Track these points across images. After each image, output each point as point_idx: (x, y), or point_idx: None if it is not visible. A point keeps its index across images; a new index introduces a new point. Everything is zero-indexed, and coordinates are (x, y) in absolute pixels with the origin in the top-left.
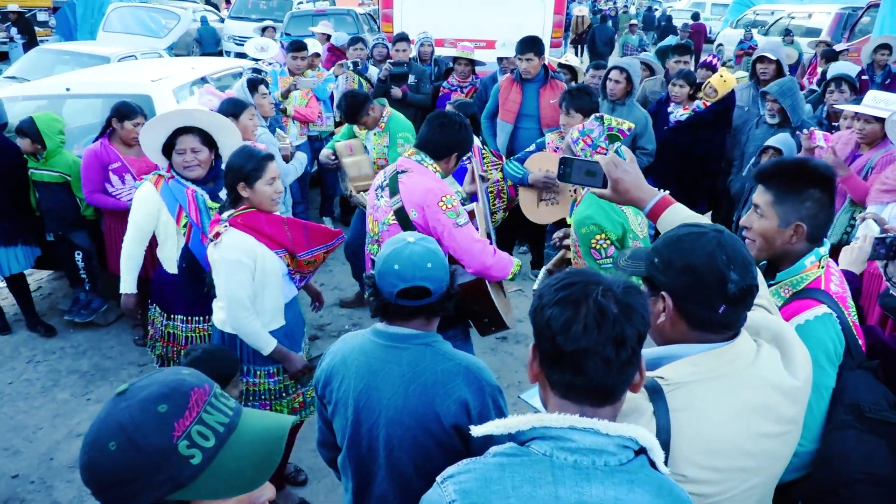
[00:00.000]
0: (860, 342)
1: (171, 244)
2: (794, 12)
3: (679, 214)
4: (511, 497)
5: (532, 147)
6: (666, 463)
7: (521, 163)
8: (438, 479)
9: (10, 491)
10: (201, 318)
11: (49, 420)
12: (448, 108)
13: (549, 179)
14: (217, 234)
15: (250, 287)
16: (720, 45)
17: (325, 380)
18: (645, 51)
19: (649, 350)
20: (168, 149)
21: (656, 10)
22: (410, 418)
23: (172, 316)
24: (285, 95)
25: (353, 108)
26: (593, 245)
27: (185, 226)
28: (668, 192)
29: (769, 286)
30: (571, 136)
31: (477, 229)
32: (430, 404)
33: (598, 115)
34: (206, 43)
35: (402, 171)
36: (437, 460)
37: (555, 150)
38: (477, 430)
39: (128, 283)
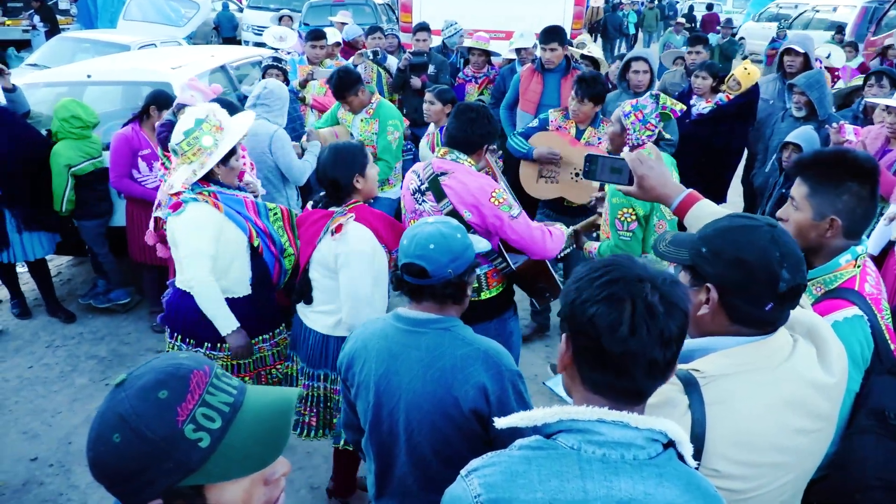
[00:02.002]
0: (892, 346)
1: (240, 264)
2: (818, 5)
3: (706, 210)
4: (538, 491)
5: (535, 122)
6: (700, 457)
7: (525, 138)
8: (463, 472)
9: (29, 474)
10: (283, 328)
11: (67, 404)
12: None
13: (553, 155)
14: (340, 227)
15: (374, 282)
16: (742, 38)
17: (347, 363)
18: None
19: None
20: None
21: (678, 2)
22: (429, 403)
23: (258, 339)
24: (303, 85)
25: (345, 85)
26: (619, 216)
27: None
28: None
29: None
30: (623, 110)
31: None
32: (449, 389)
33: (653, 93)
34: (224, 28)
35: (443, 174)
36: (456, 444)
37: (557, 129)
38: (501, 423)
39: (229, 319)
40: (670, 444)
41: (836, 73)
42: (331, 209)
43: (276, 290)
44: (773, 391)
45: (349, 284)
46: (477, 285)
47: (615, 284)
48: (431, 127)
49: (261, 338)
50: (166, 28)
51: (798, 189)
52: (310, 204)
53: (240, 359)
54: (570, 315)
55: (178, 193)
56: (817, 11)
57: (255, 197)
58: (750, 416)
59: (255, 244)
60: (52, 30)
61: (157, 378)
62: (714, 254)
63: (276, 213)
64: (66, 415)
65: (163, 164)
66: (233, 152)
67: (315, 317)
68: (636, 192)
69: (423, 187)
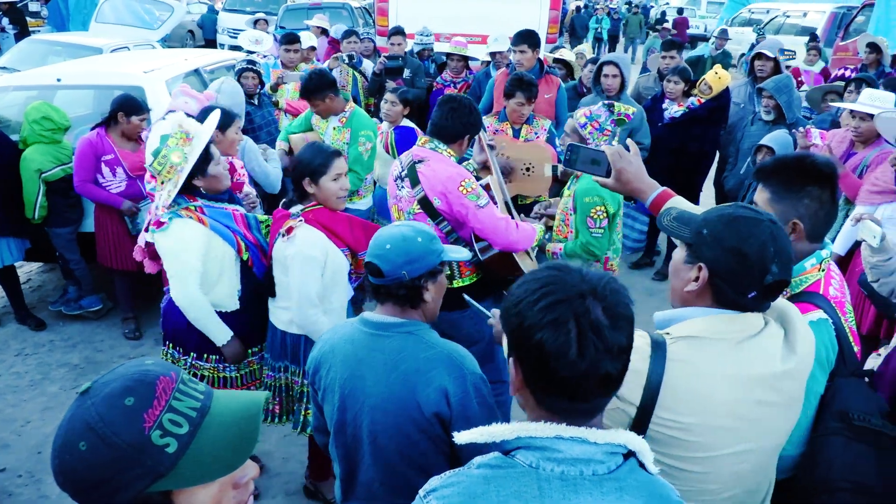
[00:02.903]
0: (856, 349)
1: (229, 278)
2: (789, 11)
3: (681, 206)
4: None
5: None
6: (654, 407)
7: None
8: (421, 492)
9: None
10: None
11: (38, 413)
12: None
13: (506, 162)
14: (290, 230)
15: (320, 284)
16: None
17: (315, 367)
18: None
19: (663, 312)
20: (199, 166)
21: (652, 6)
22: (393, 406)
23: (247, 352)
24: (274, 89)
25: (317, 86)
26: (591, 214)
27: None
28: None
29: None
30: (578, 121)
31: (495, 203)
32: (412, 392)
33: (606, 102)
34: (207, 30)
35: (420, 161)
36: (421, 447)
37: (495, 132)
38: (460, 438)
39: (223, 330)
40: (630, 454)
41: (800, 78)
42: (290, 209)
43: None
44: (736, 360)
45: (295, 285)
46: (449, 272)
47: (558, 306)
48: (385, 126)
49: (249, 351)
50: (140, 31)
51: (760, 195)
52: (282, 203)
53: (235, 362)
54: (516, 341)
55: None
56: (788, 17)
57: (253, 207)
58: (708, 377)
59: (245, 257)
60: (22, 32)
61: (123, 385)
62: (715, 238)
63: (268, 226)
64: (36, 424)
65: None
66: (209, 159)
67: (278, 312)
68: (613, 185)
69: (402, 174)
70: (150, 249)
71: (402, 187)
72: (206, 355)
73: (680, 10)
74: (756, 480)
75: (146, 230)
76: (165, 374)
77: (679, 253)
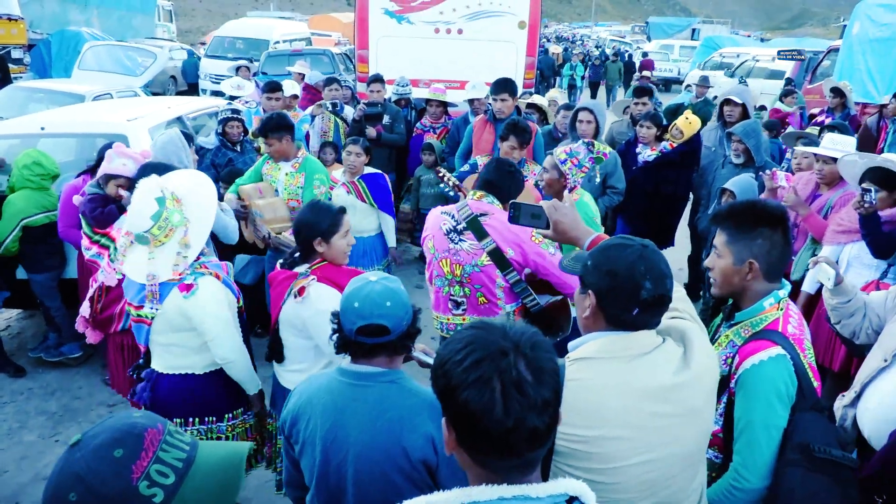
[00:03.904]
0: (816, 384)
1: (236, 327)
2: (758, 55)
3: None
4: None
5: (466, 167)
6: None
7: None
8: None
9: None
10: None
11: (15, 463)
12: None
13: None
14: (302, 290)
15: None
16: (689, 86)
17: (291, 420)
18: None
19: (573, 341)
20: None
21: (626, 50)
22: (378, 454)
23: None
24: (256, 135)
25: (277, 125)
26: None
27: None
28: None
29: (730, 327)
30: (559, 157)
31: None
32: (398, 440)
33: (586, 140)
34: (189, 74)
35: (483, 214)
36: (407, 494)
37: None
38: None
39: (256, 379)
40: (573, 499)
41: (787, 120)
42: (295, 269)
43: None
44: (627, 376)
45: (324, 343)
46: None
47: (480, 365)
48: (347, 176)
49: (241, 409)
50: (123, 77)
51: (718, 238)
52: (279, 263)
53: (260, 412)
54: (444, 401)
55: (179, 276)
56: (757, 61)
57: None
58: (600, 390)
59: (240, 304)
60: (4, 79)
61: (112, 437)
62: (595, 266)
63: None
64: (13, 473)
65: (96, 242)
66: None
67: (288, 375)
68: (552, 235)
69: (459, 227)
70: (98, 318)
71: (462, 240)
72: (196, 419)
73: (645, 54)
74: (671, 490)
75: (145, 301)
76: (153, 427)
77: (577, 288)
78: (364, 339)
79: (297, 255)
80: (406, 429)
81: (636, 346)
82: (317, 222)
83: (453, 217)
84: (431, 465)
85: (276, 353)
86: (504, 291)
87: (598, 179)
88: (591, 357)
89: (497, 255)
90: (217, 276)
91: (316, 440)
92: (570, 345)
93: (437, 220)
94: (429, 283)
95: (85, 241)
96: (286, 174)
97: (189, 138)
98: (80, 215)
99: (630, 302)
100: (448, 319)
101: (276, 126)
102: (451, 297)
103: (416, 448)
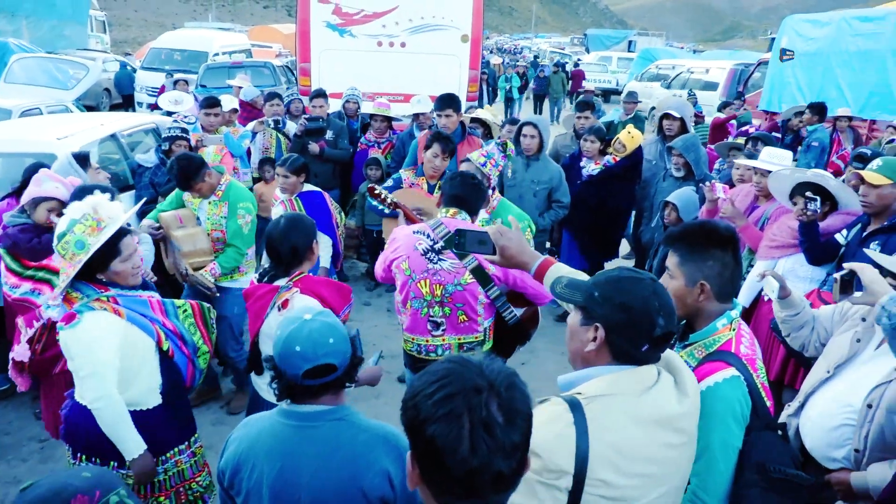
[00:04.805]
0: (768, 403)
1: (149, 372)
2: (693, 67)
3: (563, 270)
4: None
5: (390, 182)
6: (587, 472)
7: None
8: None
9: None
10: (197, 437)
11: None
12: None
13: (418, 211)
14: (286, 303)
15: None
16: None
17: (232, 469)
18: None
19: (566, 375)
20: (100, 259)
21: (566, 62)
22: (334, 496)
23: (174, 451)
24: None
25: (188, 173)
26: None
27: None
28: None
29: (684, 347)
30: (478, 162)
31: None
32: (354, 479)
33: (498, 140)
34: (124, 86)
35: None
36: None
37: (410, 185)
38: None
39: (138, 441)
40: None
41: (727, 128)
42: (276, 283)
43: (189, 393)
44: (644, 410)
45: None
46: (483, 338)
47: (452, 400)
48: (284, 195)
49: (177, 449)
50: (53, 91)
51: (671, 259)
52: (254, 277)
53: (142, 483)
54: (411, 434)
55: (69, 302)
56: (692, 73)
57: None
58: (624, 429)
59: (165, 347)
60: None
61: (40, 496)
62: (605, 298)
63: (185, 311)
64: None
65: (29, 277)
66: (114, 254)
67: (266, 388)
68: (499, 261)
69: (437, 246)
70: (37, 359)
71: (442, 259)
72: (126, 463)
73: (576, 63)
74: None
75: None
76: (86, 493)
77: (574, 317)
78: (312, 381)
79: (272, 271)
80: (361, 467)
81: (644, 379)
82: (311, 227)
83: (428, 236)
84: (389, 502)
85: (255, 364)
86: (484, 308)
87: (509, 173)
88: (608, 394)
89: (479, 272)
90: (118, 313)
91: (262, 488)
92: (565, 379)
93: (411, 240)
94: (401, 306)
95: (10, 279)
96: (209, 203)
97: (83, 159)
98: (1, 250)
99: (641, 338)
100: (427, 341)
101: (196, 169)
102: (431, 318)
103: (373, 487)
